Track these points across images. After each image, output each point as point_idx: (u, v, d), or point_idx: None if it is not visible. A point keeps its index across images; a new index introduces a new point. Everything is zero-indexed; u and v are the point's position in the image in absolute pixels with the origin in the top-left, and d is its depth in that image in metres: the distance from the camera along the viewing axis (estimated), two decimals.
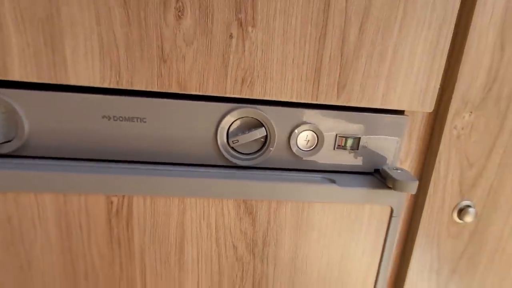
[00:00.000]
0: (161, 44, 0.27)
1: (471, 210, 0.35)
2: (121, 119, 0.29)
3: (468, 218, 0.35)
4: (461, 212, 0.35)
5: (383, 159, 0.33)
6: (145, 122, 0.30)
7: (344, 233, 0.31)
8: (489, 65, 0.31)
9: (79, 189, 0.27)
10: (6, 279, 0.29)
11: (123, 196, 0.28)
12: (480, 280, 0.39)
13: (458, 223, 0.36)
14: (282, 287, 0.33)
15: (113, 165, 0.29)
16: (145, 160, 0.31)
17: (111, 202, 0.28)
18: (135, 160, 0.31)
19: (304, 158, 0.32)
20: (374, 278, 0.33)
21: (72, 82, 0.27)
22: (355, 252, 0.32)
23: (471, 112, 0.32)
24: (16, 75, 0.26)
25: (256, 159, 0.31)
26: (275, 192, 0.29)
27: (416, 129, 0.34)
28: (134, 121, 0.30)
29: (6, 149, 0.29)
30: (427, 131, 0.34)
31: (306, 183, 0.29)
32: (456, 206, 0.35)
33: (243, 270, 0.32)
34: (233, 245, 0.31)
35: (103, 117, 0.29)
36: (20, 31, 0.25)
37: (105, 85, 0.28)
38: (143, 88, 0.28)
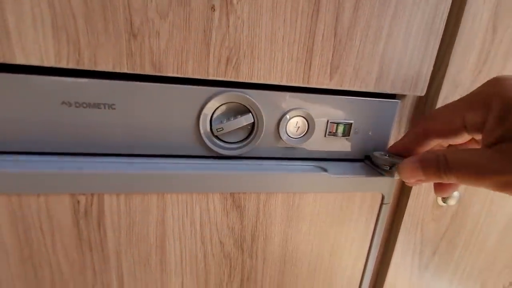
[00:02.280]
0: (129, 15, 0.22)
1: (455, 193, 0.35)
2: (84, 105, 0.25)
3: (452, 202, 0.35)
4: (448, 196, 0.35)
5: (375, 145, 0.32)
6: (114, 109, 0.26)
7: (335, 223, 0.30)
8: (481, 47, 0.30)
9: (38, 189, 0.23)
10: None
11: (92, 195, 0.24)
12: (457, 261, 0.41)
13: (441, 206, 0.37)
14: (272, 280, 0.31)
15: (78, 159, 0.25)
16: (116, 152, 0.27)
17: (78, 202, 0.24)
18: (104, 153, 0.27)
19: (294, 146, 0.30)
20: (363, 265, 0.33)
21: (20, 61, 0.23)
22: (345, 241, 0.32)
23: (461, 96, 0.31)
24: None
25: (242, 148, 0.29)
26: (264, 183, 0.27)
27: (405, 115, 0.33)
28: (101, 108, 0.25)
29: None
30: (417, 116, 0.33)
31: (297, 173, 0.27)
32: None
33: (230, 267, 0.30)
34: (220, 242, 0.28)
35: (63, 103, 0.25)
36: None
37: (63, 65, 0.23)
38: (110, 69, 0.24)
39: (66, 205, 0.24)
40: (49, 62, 0.23)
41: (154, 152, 0.28)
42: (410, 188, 0.35)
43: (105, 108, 0.26)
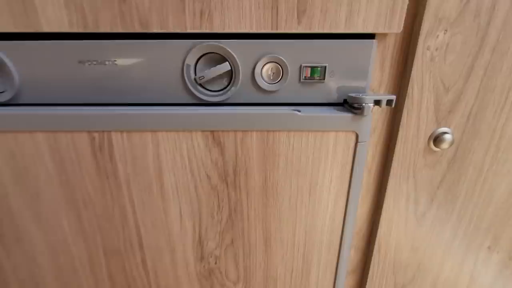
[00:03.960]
0: None
1: (447, 136, 0.34)
2: (95, 63, 0.32)
3: (444, 145, 0.34)
4: (437, 139, 0.34)
5: (353, 88, 0.33)
6: (116, 64, 0.32)
7: (312, 162, 0.33)
8: None
9: (64, 127, 0.31)
10: (21, 209, 0.35)
11: (103, 132, 0.31)
12: (460, 211, 0.39)
13: (435, 151, 0.36)
14: (256, 213, 0.36)
15: (91, 107, 0.32)
16: (119, 102, 0.33)
17: (94, 138, 0.32)
18: (110, 102, 0.33)
19: (271, 91, 0.33)
20: (344, 204, 0.35)
21: (45, 29, 0.30)
22: (323, 180, 0.34)
23: (446, 30, 0.30)
24: None
25: (223, 94, 0.33)
26: (239, 121, 0.31)
27: (388, 57, 0.33)
28: (106, 64, 0.32)
29: (1, 98, 0.32)
30: (401, 58, 0.33)
31: (270, 112, 0.30)
32: (432, 133, 0.35)
33: (218, 198, 0.35)
34: (207, 175, 0.33)
35: (79, 62, 0.32)
36: None
37: (74, 29, 0.29)
38: (108, 30, 0.30)
39: (85, 140, 0.32)
40: (65, 27, 0.29)
41: (149, 100, 0.33)
42: (397, 131, 0.35)
43: (110, 64, 0.32)
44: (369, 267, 0.44)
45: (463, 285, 0.45)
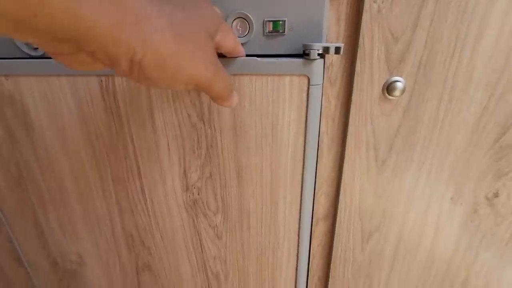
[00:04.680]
0: None
1: (398, 84, 0.38)
2: None
3: (396, 93, 0.38)
4: (389, 87, 0.38)
5: (311, 40, 0.38)
6: None
7: (271, 103, 0.39)
8: None
9: (81, 72, 0.40)
10: (52, 140, 0.46)
11: (108, 76, 0.40)
12: (419, 159, 0.43)
13: (389, 99, 0.39)
14: (229, 150, 0.42)
15: None
16: None
17: (101, 81, 0.41)
18: None
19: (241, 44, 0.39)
20: (302, 144, 0.40)
21: None
22: (283, 121, 0.40)
23: None
24: None
25: None
26: None
27: (343, 12, 0.37)
28: None
29: (37, 53, 0.43)
30: (354, 13, 0.37)
31: (233, 59, 0.37)
32: (385, 83, 0.38)
33: (198, 135, 0.42)
34: (188, 114, 0.41)
35: None
36: None
37: None
38: None
39: (95, 82, 0.41)
40: None
41: None
42: (353, 80, 0.39)
43: None
44: (337, 212, 0.49)
45: (429, 236, 0.48)
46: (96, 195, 0.49)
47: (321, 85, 0.38)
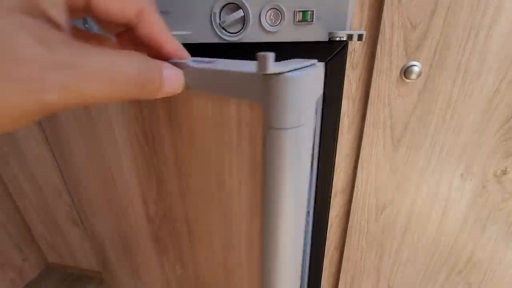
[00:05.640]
0: None
1: (415, 68, 0.42)
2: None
3: (413, 76, 0.42)
4: (407, 71, 0.42)
5: (336, 27, 0.42)
6: (169, 13, 0.47)
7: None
8: None
9: None
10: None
11: None
12: (432, 138, 0.47)
13: (406, 82, 0.44)
14: None
15: None
16: None
17: None
18: None
19: (272, 32, 0.44)
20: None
21: None
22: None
23: None
24: None
25: (240, 34, 0.45)
26: None
27: (366, 2, 0.42)
28: (164, 14, 0.47)
29: None
30: (377, 1, 0.41)
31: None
32: (403, 67, 0.43)
33: None
34: None
35: None
36: None
37: None
38: None
39: None
40: None
41: (192, 41, 0.48)
42: (373, 65, 0.43)
43: (165, 14, 0.47)
44: (354, 186, 0.54)
45: (439, 210, 0.52)
46: None
47: (289, 129, 0.23)
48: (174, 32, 0.47)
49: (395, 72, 0.43)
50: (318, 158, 0.53)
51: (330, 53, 0.43)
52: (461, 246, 0.55)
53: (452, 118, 0.45)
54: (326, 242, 0.62)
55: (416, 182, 0.51)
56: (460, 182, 0.49)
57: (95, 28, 0.46)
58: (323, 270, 0.67)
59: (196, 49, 0.47)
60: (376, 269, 0.62)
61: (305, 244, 0.60)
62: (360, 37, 0.39)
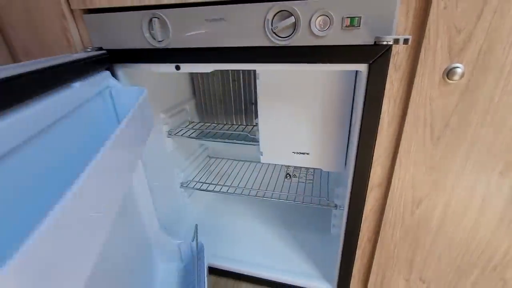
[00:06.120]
0: None
1: (458, 70, 0.44)
2: (210, 20, 0.52)
3: (456, 77, 0.45)
4: (450, 72, 0.45)
5: (382, 32, 0.46)
6: (225, 21, 0.52)
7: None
8: None
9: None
10: None
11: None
12: (472, 137, 0.49)
13: (449, 83, 0.46)
14: None
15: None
16: (227, 46, 0.54)
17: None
18: (221, 46, 0.54)
19: (321, 37, 0.48)
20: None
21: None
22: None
23: None
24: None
25: (290, 39, 0.50)
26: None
27: (412, 7, 0.44)
28: (218, 21, 0.52)
29: (163, 44, 0.56)
30: (422, 8, 0.44)
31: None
32: (446, 68, 0.45)
33: None
34: None
35: (206, 20, 0.53)
36: None
37: None
38: None
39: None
40: None
41: (244, 44, 0.53)
42: (416, 67, 0.46)
43: (220, 20, 0.52)
44: (391, 181, 0.57)
45: (475, 206, 0.54)
46: None
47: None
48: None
49: (438, 73, 0.46)
50: (357, 154, 0.56)
51: (374, 55, 0.47)
52: (497, 242, 0.56)
53: (493, 118, 0.47)
54: (360, 234, 0.66)
55: (454, 178, 0.53)
56: (499, 179, 0.51)
57: None
58: (355, 260, 0.70)
59: (247, 52, 0.52)
60: (409, 262, 0.64)
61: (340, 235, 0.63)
62: (406, 41, 0.42)
